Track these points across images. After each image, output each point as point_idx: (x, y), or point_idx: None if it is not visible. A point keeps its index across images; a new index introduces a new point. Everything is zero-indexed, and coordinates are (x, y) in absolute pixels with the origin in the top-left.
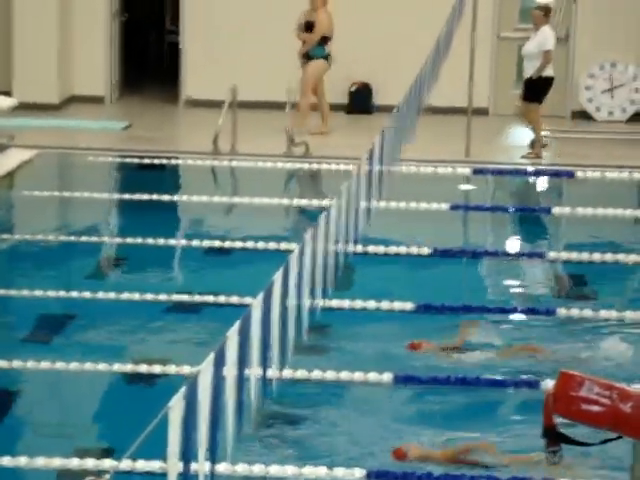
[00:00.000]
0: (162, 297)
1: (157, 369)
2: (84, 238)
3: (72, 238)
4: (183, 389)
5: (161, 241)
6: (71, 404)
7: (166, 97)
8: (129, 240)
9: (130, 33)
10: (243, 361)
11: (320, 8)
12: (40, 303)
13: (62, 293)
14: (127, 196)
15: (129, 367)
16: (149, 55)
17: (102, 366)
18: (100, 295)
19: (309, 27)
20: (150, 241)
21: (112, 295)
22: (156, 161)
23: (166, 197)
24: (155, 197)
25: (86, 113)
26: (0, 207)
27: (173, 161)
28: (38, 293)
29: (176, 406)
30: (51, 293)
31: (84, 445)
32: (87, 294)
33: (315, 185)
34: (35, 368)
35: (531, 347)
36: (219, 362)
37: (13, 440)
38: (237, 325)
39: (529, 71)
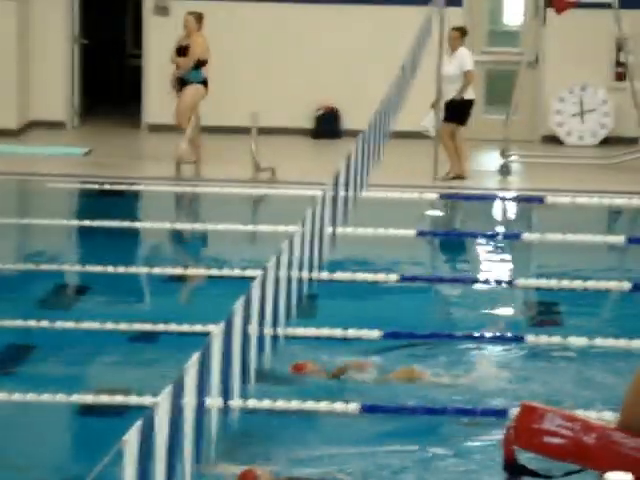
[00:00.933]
0: (123, 326)
1: (118, 399)
2: (43, 266)
3: (31, 266)
4: (139, 422)
5: (122, 269)
6: (28, 436)
7: (128, 122)
8: (89, 268)
9: (90, 57)
10: (202, 391)
11: (194, 32)
12: None
13: (19, 322)
14: (87, 222)
15: (89, 398)
16: (110, 79)
17: (60, 397)
18: (58, 324)
19: (183, 52)
20: (110, 269)
21: (71, 324)
22: (117, 187)
23: (127, 223)
24: (116, 224)
25: (46, 139)
26: None
27: (134, 187)
28: None
29: (131, 439)
30: (7, 322)
31: (40, 478)
32: (45, 323)
33: (281, 211)
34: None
35: (410, 370)
36: (177, 393)
37: None
38: (197, 355)
39: (450, 94)
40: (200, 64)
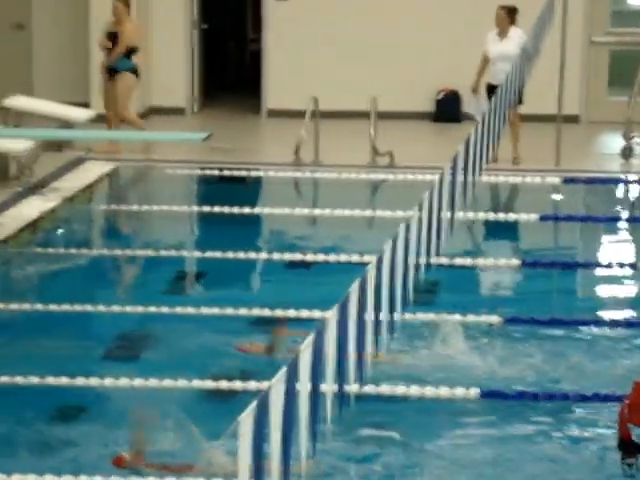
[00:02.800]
0: (242, 311)
1: (238, 385)
2: (163, 252)
3: (150, 252)
4: (254, 404)
5: (241, 255)
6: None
7: (248, 107)
8: (208, 254)
9: (211, 43)
10: (317, 375)
11: (124, 19)
12: (118, 319)
13: (140, 309)
14: (207, 209)
15: (209, 383)
16: (230, 65)
17: (181, 382)
18: (178, 310)
19: (113, 38)
20: (230, 255)
21: (191, 310)
22: (237, 173)
23: (247, 210)
24: (235, 210)
25: (166, 125)
26: (78, 221)
27: (254, 173)
28: (116, 309)
29: (246, 420)
30: (129, 309)
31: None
32: (165, 309)
33: (399, 196)
34: (113, 385)
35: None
36: (291, 376)
37: (89, 458)
38: (310, 339)
39: (502, 75)
40: (130, 52)
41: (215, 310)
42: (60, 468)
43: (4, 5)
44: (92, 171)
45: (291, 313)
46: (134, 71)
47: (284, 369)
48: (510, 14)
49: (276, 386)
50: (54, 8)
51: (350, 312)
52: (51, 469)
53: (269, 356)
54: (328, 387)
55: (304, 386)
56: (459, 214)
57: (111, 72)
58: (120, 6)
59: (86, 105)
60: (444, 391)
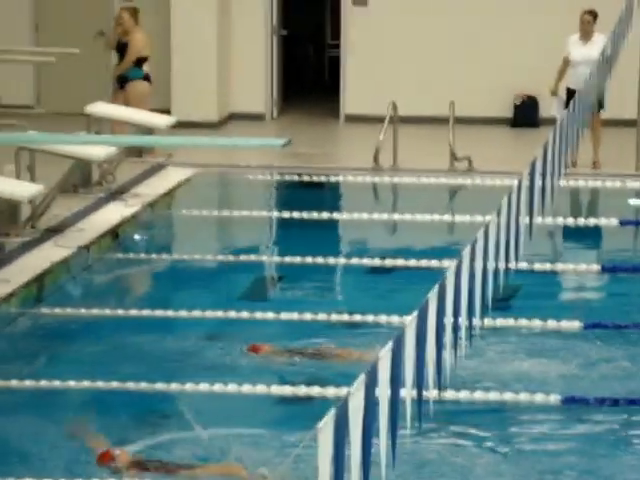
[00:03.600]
0: (321, 317)
1: (316, 390)
2: (243, 257)
3: (230, 257)
4: (333, 411)
5: (320, 260)
6: (228, 425)
7: (326, 113)
8: (287, 259)
9: (290, 48)
10: (396, 381)
11: (132, 28)
12: (198, 324)
13: (220, 313)
14: (286, 214)
15: (287, 389)
16: (309, 70)
17: (260, 388)
18: (258, 315)
19: (122, 49)
20: (309, 260)
21: (270, 315)
22: (315, 178)
23: (325, 215)
24: (314, 215)
25: (245, 130)
26: (159, 226)
27: (333, 178)
28: (196, 314)
29: (325, 427)
30: (208, 313)
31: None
32: (245, 314)
33: (478, 201)
34: (194, 390)
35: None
36: (371, 383)
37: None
38: (389, 345)
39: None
40: (140, 61)
41: (294, 315)
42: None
43: (86, 12)
44: (172, 177)
45: (369, 318)
46: (146, 79)
47: (363, 375)
48: (594, 19)
49: (355, 393)
50: None
51: (429, 318)
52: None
53: (278, 358)
54: (407, 393)
55: (383, 392)
56: (538, 219)
57: (122, 81)
58: (126, 16)
59: (167, 111)
60: (524, 397)
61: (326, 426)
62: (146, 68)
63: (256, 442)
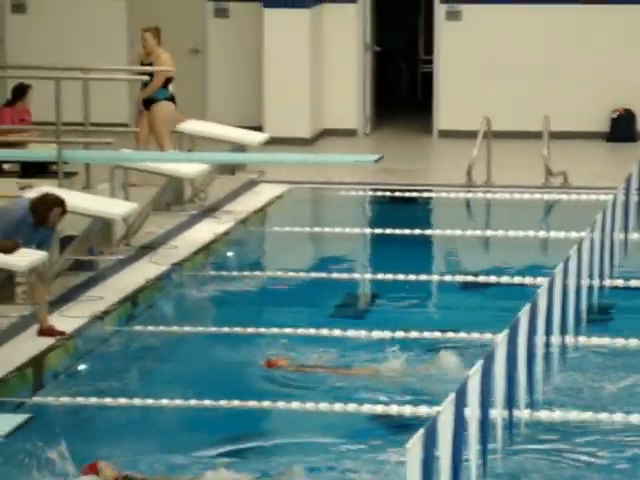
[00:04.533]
0: (413, 334)
1: (407, 410)
2: (335, 274)
3: (323, 274)
4: (422, 430)
5: (412, 277)
6: (319, 444)
7: (419, 128)
8: (380, 276)
9: (383, 64)
10: (486, 401)
11: (155, 49)
12: (291, 340)
13: (312, 331)
14: (379, 230)
15: (379, 408)
16: (402, 86)
17: (351, 407)
18: (350, 333)
19: (144, 73)
20: (401, 277)
21: (363, 333)
22: (408, 194)
23: (418, 231)
24: (407, 231)
25: (338, 147)
26: (251, 243)
27: (426, 194)
28: (288, 331)
29: (414, 447)
30: (301, 331)
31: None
32: (337, 332)
33: (573, 216)
34: (286, 408)
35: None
36: (460, 402)
37: None
38: (480, 363)
39: None
40: (167, 81)
41: (386, 333)
42: None
43: (180, 30)
44: (265, 193)
45: (462, 335)
46: (171, 99)
47: (452, 395)
48: None
49: (444, 412)
50: (229, 33)
51: (520, 335)
52: None
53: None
54: (498, 413)
55: (474, 412)
56: (634, 235)
57: (147, 103)
58: (149, 37)
59: (259, 128)
60: (619, 417)
61: (415, 445)
62: (171, 89)
63: (345, 458)
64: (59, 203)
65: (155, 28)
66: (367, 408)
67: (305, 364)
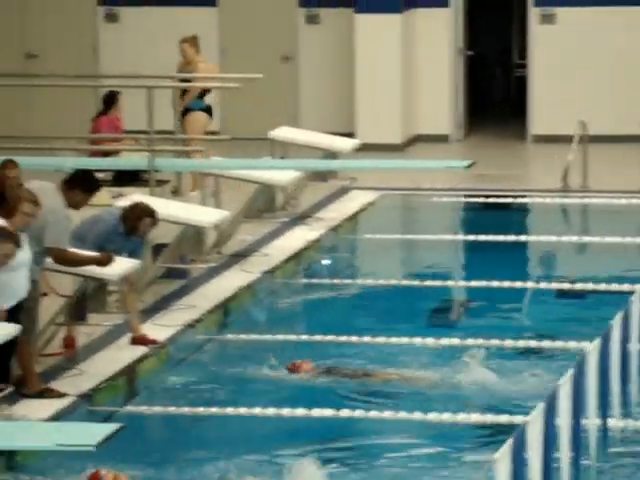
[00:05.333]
0: (508, 343)
1: (503, 419)
2: (428, 282)
3: (415, 282)
4: (510, 441)
5: (507, 284)
6: (415, 451)
7: (513, 133)
8: (473, 283)
9: (476, 69)
10: (578, 410)
11: (194, 59)
12: (383, 349)
13: (405, 339)
14: (472, 237)
15: (474, 417)
16: (495, 91)
17: (446, 416)
18: (444, 341)
19: (185, 81)
20: (495, 284)
21: (456, 341)
22: (502, 200)
23: (512, 237)
24: (501, 238)
25: (430, 153)
26: (343, 250)
27: (520, 200)
28: (380, 340)
29: (503, 457)
30: (393, 340)
31: None
32: (430, 340)
33: None
34: (392, 418)
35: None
36: (550, 411)
37: None
38: (570, 372)
39: None
40: (204, 92)
41: (479, 341)
42: None
43: (272, 37)
44: (357, 200)
45: (558, 344)
46: (207, 110)
47: (542, 404)
48: None
49: (534, 421)
50: (320, 39)
51: (612, 345)
52: None
53: (322, 376)
54: (590, 422)
55: (565, 421)
56: None
57: (184, 113)
58: (187, 47)
59: (351, 135)
60: None
61: (503, 456)
62: (208, 100)
63: (431, 469)
64: (149, 213)
65: (193, 37)
66: (462, 417)
67: (332, 367)
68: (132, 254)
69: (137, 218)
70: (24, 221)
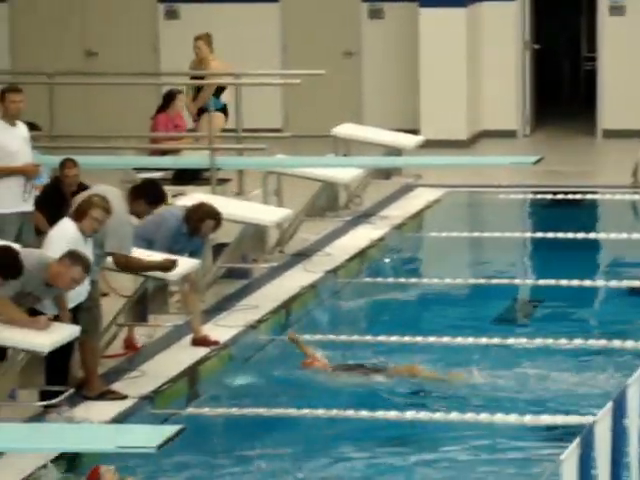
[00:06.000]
0: (577, 342)
1: (571, 419)
2: (495, 280)
3: (482, 281)
4: (577, 440)
5: (576, 282)
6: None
7: (582, 128)
8: (542, 282)
9: (543, 62)
10: None
11: (207, 57)
12: (450, 349)
13: (470, 340)
14: (539, 235)
15: (542, 418)
16: (564, 85)
17: (498, 417)
18: (511, 341)
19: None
20: (564, 282)
21: (523, 340)
22: (571, 197)
23: (581, 235)
24: (570, 235)
25: (496, 148)
26: (407, 249)
27: (590, 196)
28: (445, 340)
29: (569, 458)
30: (459, 340)
31: None
32: (496, 340)
33: None
34: (430, 419)
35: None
36: (619, 412)
37: None
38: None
39: None
40: (219, 90)
41: (549, 341)
42: None
43: (334, 32)
44: (421, 198)
45: (628, 344)
46: (223, 110)
47: (610, 403)
48: None
49: (601, 421)
50: (384, 34)
51: None
52: None
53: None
54: None
55: (633, 421)
56: None
57: (199, 113)
58: (202, 44)
59: (415, 131)
60: None
61: (570, 457)
62: (224, 99)
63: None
64: (213, 215)
65: (207, 35)
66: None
67: (344, 364)
68: (193, 254)
69: (199, 219)
70: (93, 227)
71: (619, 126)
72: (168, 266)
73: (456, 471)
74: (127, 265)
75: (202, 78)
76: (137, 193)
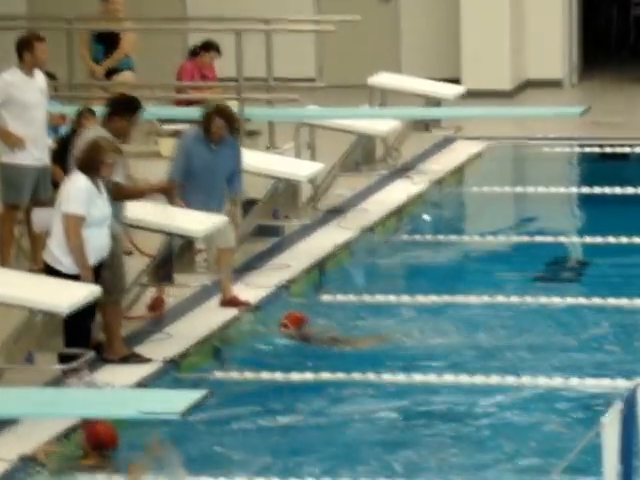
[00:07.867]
0: (624, 301)
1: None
2: (538, 238)
3: (525, 238)
4: (619, 404)
5: (624, 239)
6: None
7: (631, 77)
8: (588, 239)
9: (591, 8)
10: None
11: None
12: (490, 307)
13: (514, 299)
14: (586, 190)
15: (587, 382)
16: (612, 32)
17: (557, 381)
18: (555, 300)
19: (107, 38)
20: (612, 240)
21: (569, 300)
22: (619, 149)
23: (630, 190)
24: (617, 190)
25: (541, 99)
26: (447, 205)
27: (638, 149)
28: (486, 299)
29: (611, 422)
30: (500, 299)
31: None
32: (543, 299)
33: None
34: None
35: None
36: None
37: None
38: None
39: None
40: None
41: (595, 300)
42: None
43: None
44: (462, 151)
45: None
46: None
47: None
48: None
49: None
50: None
51: None
52: None
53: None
54: None
55: None
56: None
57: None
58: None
59: (456, 81)
60: None
61: (612, 420)
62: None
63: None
64: (219, 111)
65: None
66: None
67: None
68: (229, 163)
69: (208, 118)
70: (109, 173)
71: None
72: (167, 187)
73: (491, 436)
74: (121, 193)
75: (113, 37)
76: (110, 113)
